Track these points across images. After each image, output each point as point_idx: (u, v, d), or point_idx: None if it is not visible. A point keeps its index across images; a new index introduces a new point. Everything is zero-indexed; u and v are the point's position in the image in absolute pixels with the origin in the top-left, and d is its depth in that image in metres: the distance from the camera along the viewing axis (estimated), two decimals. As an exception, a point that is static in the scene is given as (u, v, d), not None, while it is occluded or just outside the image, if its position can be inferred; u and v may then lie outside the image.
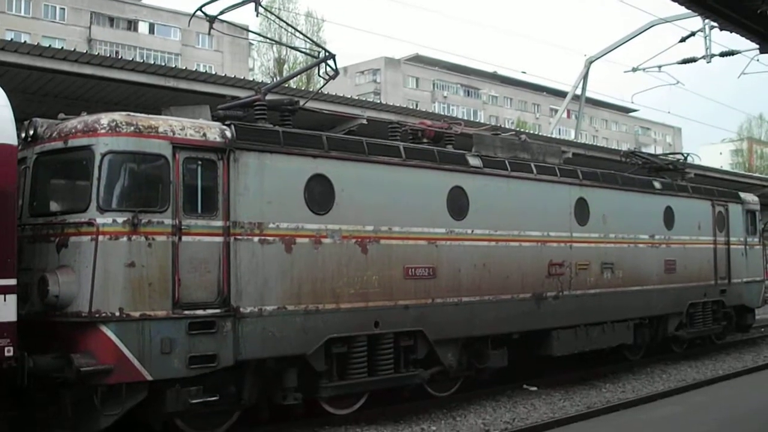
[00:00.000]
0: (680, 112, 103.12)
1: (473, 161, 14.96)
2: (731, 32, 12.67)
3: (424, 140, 15.17)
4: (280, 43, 32.88)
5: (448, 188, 14.31)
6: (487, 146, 15.59)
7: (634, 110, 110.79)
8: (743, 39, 13.32)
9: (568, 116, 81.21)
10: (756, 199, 24.76)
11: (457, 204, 14.41)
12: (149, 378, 10.36)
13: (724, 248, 22.27)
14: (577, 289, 16.73)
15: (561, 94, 74.54)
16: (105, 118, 10.70)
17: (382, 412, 13.56)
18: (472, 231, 14.59)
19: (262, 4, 12.80)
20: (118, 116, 10.77)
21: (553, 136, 31.07)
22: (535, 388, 16.24)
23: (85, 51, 14.78)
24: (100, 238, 10.23)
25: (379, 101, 22.43)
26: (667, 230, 19.93)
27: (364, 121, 17.83)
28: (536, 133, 31.18)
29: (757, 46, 14.07)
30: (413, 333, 13.57)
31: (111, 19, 76.03)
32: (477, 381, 15.39)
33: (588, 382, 17.17)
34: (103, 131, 10.59)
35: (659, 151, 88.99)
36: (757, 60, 26.92)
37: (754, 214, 24.12)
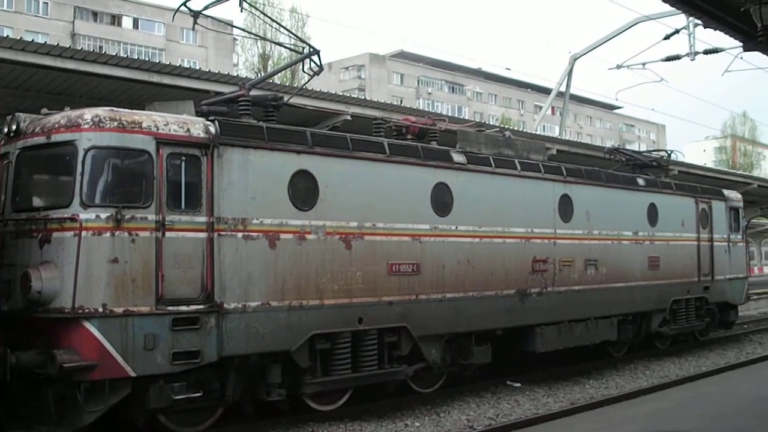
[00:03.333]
0: (664, 110, 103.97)
1: (457, 158, 14.96)
2: (715, 30, 12.75)
3: (409, 136, 15.15)
4: (264, 38, 32.74)
5: (432, 184, 14.31)
6: (471, 143, 15.60)
7: (619, 107, 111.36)
8: (727, 37, 13.40)
9: (553, 113, 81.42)
10: (739, 196, 24.87)
11: (442, 200, 14.42)
12: (132, 374, 10.32)
13: (708, 245, 22.36)
14: (560, 285, 16.77)
15: (545, 91, 74.72)
16: (88, 114, 10.66)
17: (366, 408, 13.56)
18: (456, 227, 14.61)
19: (246, -1, 12.74)
20: (102, 111, 10.72)
21: (538, 132, 31.07)
22: (518, 385, 16.27)
23: (68, 46, 14.68)
24: (83, 233, 10.17)
25: (363, 97, 22.39)
26: (651, 227, 20.00)
27: (349, 117, 17.80)
28: (520, 129, 31.23)
29: (741, 44, 14.15)
30: (397, 329, 13.58)
31: (95, 14, 75.77)
32: (461, 377, 15.43)
33: (571, 379, 17.22)
34: (86, 126, 10.54)
35: (643, 148, 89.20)
36: (741, 58, 27.03)
37: (737, 212, 24.24)
